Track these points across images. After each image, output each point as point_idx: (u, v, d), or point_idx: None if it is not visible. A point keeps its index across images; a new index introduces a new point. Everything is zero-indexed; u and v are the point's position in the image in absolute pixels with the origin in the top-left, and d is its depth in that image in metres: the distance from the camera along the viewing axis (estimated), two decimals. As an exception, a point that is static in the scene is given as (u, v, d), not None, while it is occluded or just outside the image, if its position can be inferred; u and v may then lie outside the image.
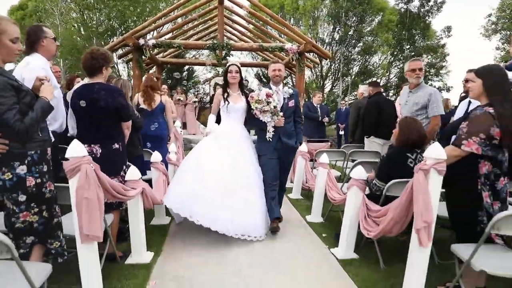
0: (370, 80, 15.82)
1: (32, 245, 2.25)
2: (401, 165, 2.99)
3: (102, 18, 18.54)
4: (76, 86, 3.63)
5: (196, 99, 13.79)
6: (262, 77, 19.89)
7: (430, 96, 3.87)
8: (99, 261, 2.37)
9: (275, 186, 3.88)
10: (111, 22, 18.71)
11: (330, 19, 19.34)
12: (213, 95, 7.80)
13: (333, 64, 20.31)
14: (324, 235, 3.87)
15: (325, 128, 8.42)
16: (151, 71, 11.58)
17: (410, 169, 2.71)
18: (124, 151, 3.21)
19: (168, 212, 4.02)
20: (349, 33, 19.18)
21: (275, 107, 3.68)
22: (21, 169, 2.12)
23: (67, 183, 2.24)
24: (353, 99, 18.20)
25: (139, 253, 3.15)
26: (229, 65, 3.99)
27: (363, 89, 7.01)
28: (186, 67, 18.94)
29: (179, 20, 11.50)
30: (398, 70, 20.73)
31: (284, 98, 3.90)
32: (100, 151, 2.96)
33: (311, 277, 2.93)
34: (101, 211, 2.26)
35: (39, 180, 2.20)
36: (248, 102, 3.84)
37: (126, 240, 3.41)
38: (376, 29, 20.10)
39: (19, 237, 2.20)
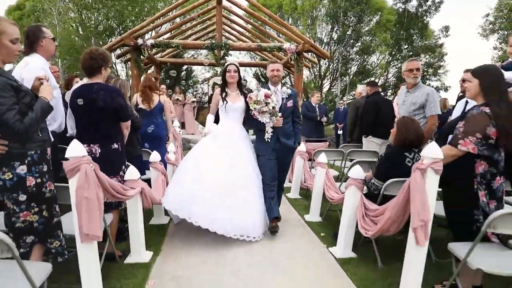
0: (368, 80, 15.86)
1: (32, 244, 2.26)
2: (399, 165, 3.01)
3: (100, 18, 18.51)
4: (75, 86, 3.64)
5: (195, 99, 13.81)
6: (260, 77, 19.89)
7: (427, 96, 3.90)
8: (99, 260, 2.38)
9: (273, 187, 3.89)
10: (109, 22, 18.68)
11: (328, 19, 19.36)
12: (212, 95, 7.78)
13: (332, 64, 20.33)
14: (322, 234, 3.89)
15: (323, 128, 8.44)
16: (149, 71, 11.57)
17: (408, 168, 2.73)
18: (123, 151, 3.22)
19: (167, 212, 4.03)
20: (347, 33, 19.20)
21: (273, 107, 3.68)
22: (21, 169, 2.13)
23: (67, 183, 2.25)
24: (351, 99, 18.26)
25: (138, 253, 3.16)
26: (228, 65, 3.98)
27: (361, 89, 7.04)
28: (185, 67, 18.92)
29: (178, 20, 11.49)
30: (396, 69, 20.75)
31: (282, 99, 3.90)
32: (99, 151, 2.97)
33: (310, 276, 2.95)
34: (101, 210, 2.27)
35: (39, 180, 2.21)
36: (247, 102, 3.85)
37: (125, 240, 3.42)
38: (374, 29, 20.15)
39: (19, 237, 2.21)
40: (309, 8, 19.53)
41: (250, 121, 3.98)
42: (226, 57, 9.08)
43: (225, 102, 3.94)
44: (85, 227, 2.17)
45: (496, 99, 2.32)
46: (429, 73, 20.65)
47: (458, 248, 2.28)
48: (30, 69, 2.63)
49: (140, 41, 8.30)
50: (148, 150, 4.49)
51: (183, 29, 12.02)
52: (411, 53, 19.42)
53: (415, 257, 2.35)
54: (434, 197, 2.31)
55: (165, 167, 4.34)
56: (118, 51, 10.92)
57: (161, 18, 9.65)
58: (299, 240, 3.75)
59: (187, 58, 18.22)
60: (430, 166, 2.23)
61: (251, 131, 4.34)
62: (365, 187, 3.25)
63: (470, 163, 2.33)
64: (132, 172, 3.05)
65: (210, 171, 3.69)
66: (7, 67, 2.31)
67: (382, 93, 7.40)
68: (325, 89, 21.30)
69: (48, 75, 2.62)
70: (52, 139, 2.60)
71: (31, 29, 2.82)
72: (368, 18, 20.20)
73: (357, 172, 3.20)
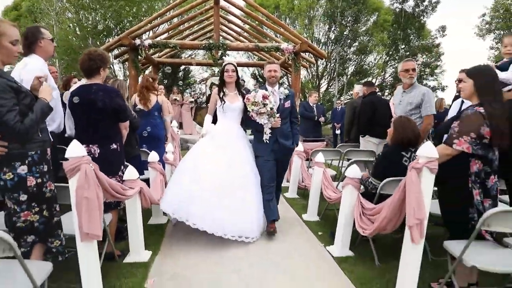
0: (365, 80, 15.91)
1: (32, 244, 2.28)
2: (396, 164, 3.05)
3: (97, 18, 18.46)
4: (73, 87, 3.66)
5: (193, 99, 13.81)
6: (258, 77, 19.92)
7: (423, 96, 3.94)
8: (98, 259, 2.40)
9: (272, 188, 3.89)
10: (106, 22, 18.64)
11: (326, 19, 19.44)
12: (210, 95, 7.80)
13: (329, 64, 20.40)
14: (320, 233, 3.92)
15: (321, 128, 8.46)
16: (147, 71, 11.57)
17: (405, 167, 2.74)
18: (122, 151, 3.23)
19: (165, 211, 4.04)
20: (345, 33, 19.27)
21: (271, 108, 3.66)
22: (22, 169, 2.15)
23: (67, 183, 2.26)
24: (349, 99, 18.28)
25: (137, 252, 3.18)
26: (226, 64, 3.96)
27: (358, 89, 7.08)
28: (182, 67, 18.91)
29: (175, 20, 11.49)
30: (394, 69, 20.82)
31: (280, 99, 3.87)
32: (98, 151, 2.98)
33: (308, 275, 2.97)
34: (101, 210, 2.29)
35: (39, 180, 2.23)
36: (245, 103, 3.84)
37: (124, 239, 3.44)
38: (371, 29, 20.24)
39: (20, 236, 2.23)
40: (306, 8, 19.59)
41: (248, 122, 3.97)
42: (223, 57, 9.09)
43: (223, 102, 3.92)
44: (85, 227, 2.18)
45: (491, 99, 2.36)
46: (426, 73, 20.75)
47: (453, 246, 2.32)
48: (29, 70, 2.63)
49: (137, 41, 8.29)
50: (146, 150, 4.49)
51: (181, 29, 12.02)
52: (408, 53, 19.51)
53: (411, 255, 2.38)
54: (430, 196, 2.34)
55: (164, 167, 4.36)
56: (116, 52, 10.90)
57: (159, 18, 9.66)
58: (297, 239, 3.78)
59: (185, 58, 18.23)
60: (425, 165, 2.26)
61: (248, 131, 4.35)
62: (362, 186, 3.28)
63: (465, 162, 2.37)
64: (131, 172, 3.07)
65: (208, 171, 3.70)
66: (6, 68, 2.33)
67: (379, 93, 7.45)
68: (322, 89, 21.39)
69: (47, 76, 2.64)
70: (51, 140, 2.62)
71: (30, 30, 2.83)
72: (365, 18, 20.30)
73: (354, 172, 3.23)
